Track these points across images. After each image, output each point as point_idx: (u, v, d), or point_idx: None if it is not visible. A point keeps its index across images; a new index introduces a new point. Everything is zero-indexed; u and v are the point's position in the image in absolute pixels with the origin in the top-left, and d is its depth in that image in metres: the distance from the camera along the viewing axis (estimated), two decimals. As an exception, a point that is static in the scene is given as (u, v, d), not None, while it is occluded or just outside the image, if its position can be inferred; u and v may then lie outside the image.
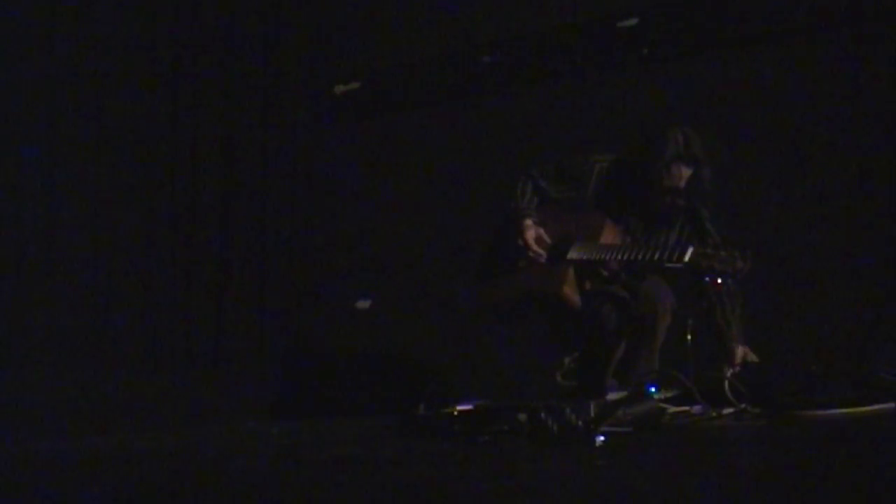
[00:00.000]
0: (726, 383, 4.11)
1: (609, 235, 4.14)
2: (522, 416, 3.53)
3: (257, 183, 5.39)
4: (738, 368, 4.03)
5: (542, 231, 4.15)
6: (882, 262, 4.65)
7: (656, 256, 3.99)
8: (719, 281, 4.03)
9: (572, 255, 4.09)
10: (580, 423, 3.41)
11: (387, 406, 5.10)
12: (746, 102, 4.92)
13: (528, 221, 4.14)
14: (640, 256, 4.05)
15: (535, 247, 4.13)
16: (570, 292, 4.11)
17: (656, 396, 4.01)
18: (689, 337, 4.40)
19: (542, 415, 3.40)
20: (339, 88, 5.52)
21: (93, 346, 4.78)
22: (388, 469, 3.22)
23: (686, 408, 4.15)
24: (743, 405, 4.06)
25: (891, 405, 3.94)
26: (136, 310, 4.93)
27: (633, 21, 4.26)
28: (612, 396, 3.96)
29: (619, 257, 4.08)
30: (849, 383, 4.20)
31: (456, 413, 3.84)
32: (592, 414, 3.64)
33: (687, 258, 3.97)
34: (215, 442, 4.25)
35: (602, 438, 3.30)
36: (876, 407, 3.99)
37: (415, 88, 5.44)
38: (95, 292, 4.81)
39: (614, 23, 4.59)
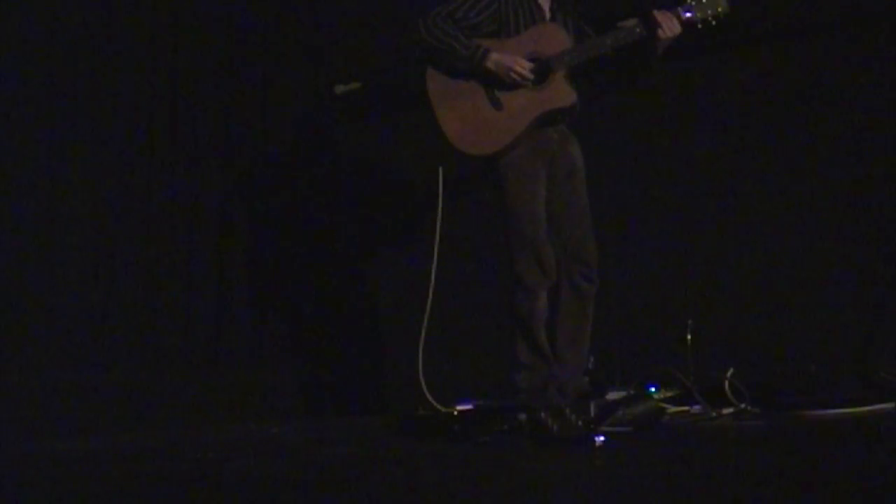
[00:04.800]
0: (726, 383, 4.12)
1: (566, 38, 4.12)
2: (522, 416, 3.54)
3: (257, 182, 5.39)
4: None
5: (516, 56, 4.04)
6: (882, 262, 4.65)
7: (644, 31, 4.00)
8: (714, 23, 4.03)
9: (561, 65, 4.04)
10: (580, 423, 3.42)
11: (387, 406, 5.10)
12: (746, 102, 4.92)
13: (496, 55, 4.02)
14: (630, 38, 4.03)
15: (527, 67, 4.03)
16: (576, 98, 4.09)
17: (656, 396, 4.02)
18: (689, 337, 4.41)
19: (542, 415, 3.41)
20: (339, 88, 5.51)
21: (93, 346, 4.78)
22: (388, 469, 3.22)
23: (686, 408, 4.16)
24: (743, 405, 4.07)
25: (891, 405, 3.95)
26: (136, 310, 4.93)
27: (632, 21, 4.25)
28: (612, 396, 3.97)
29: (609, 47, 4.05)
30: (849, 383, 4.21)
31: (456, 413, 3.85)
32: (592, 414, 3.65)
33: (685, 17, 4.00)
34: (215, 442, 4.25)
35: (602, 438, 3.30)
36: (876, 407, 4.00)
37: (415, 88, 5.44)
38: (95, 292, 4.81)
39: (614, 23, 4.59)
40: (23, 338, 4.57)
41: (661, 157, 5.05)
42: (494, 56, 4.02)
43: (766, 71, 4.88)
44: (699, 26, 4.03)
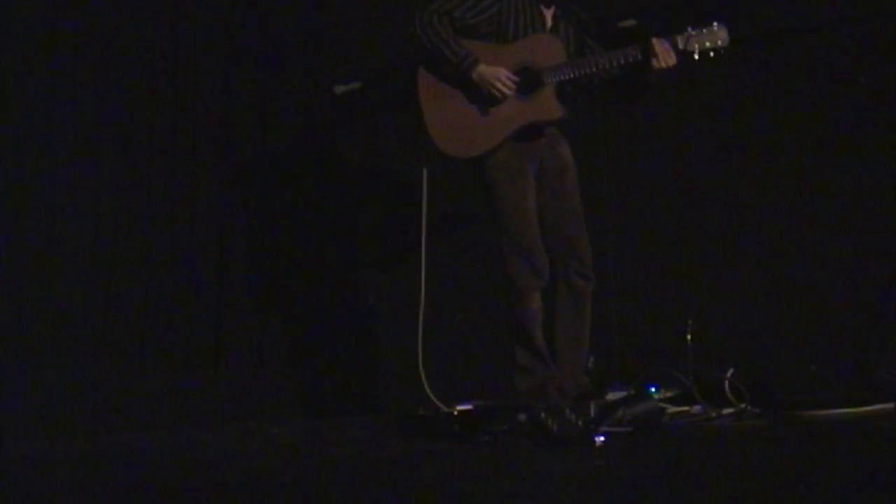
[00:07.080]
0: (726, 383, 4.13)
1: (561, 51, 4.08)
2: (522, 416, 3.54)
3: (257, 182, 5.39)
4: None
5: (501, 69, 4.02)
6: (882, 262, 4.65)
7: (640, 56, 3.97)
8: (711, 55, 3.99)
9: (551, 79, 4.02)
10: (580, 423, 3.42)
11: (387, 406, 5.11)
12: (746, 102, 4.92)
13: (482, 67, 4.00)
14: (624, 61, 4.01)
15: (509, 85, 4.01)
16: (562, 113, 4.06)
17: (656, 396, 4.02)
18: (688, 337, 4.41)
19: (542, 415, 3.41)
20: (339, 88, 5.51)
21: (93, 345, 4.77)
22: (388, 469, 3.23)
23: (686, 408, 4.17)
24: (743, 405, 4.07)
25: (891, 405, 3.95)
26: (136, 310, 4.92)
27: (632, 21, 4.25)
28: (612, 396, 3.97)
29: (602, 67, 4.02)
30: (849, 383, 4.22)
31: (456, 413, 3.85)
32: (592, 414, 3.65)
33: (681, 46, 3.97)
34: (216, 442, 4.26)
35: (602, 438, 3.31)
36: (876, 407, 4.00)
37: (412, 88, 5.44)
38: (95, 291, 4.80)
39: (614, 23, 4.59)
40: (23, 338, 4.56)
41: (661, 157, 5.05)
42: (480, 68, 4.00)
43: (767, 71, 4.88)
44: (696, 57, 3.99)
